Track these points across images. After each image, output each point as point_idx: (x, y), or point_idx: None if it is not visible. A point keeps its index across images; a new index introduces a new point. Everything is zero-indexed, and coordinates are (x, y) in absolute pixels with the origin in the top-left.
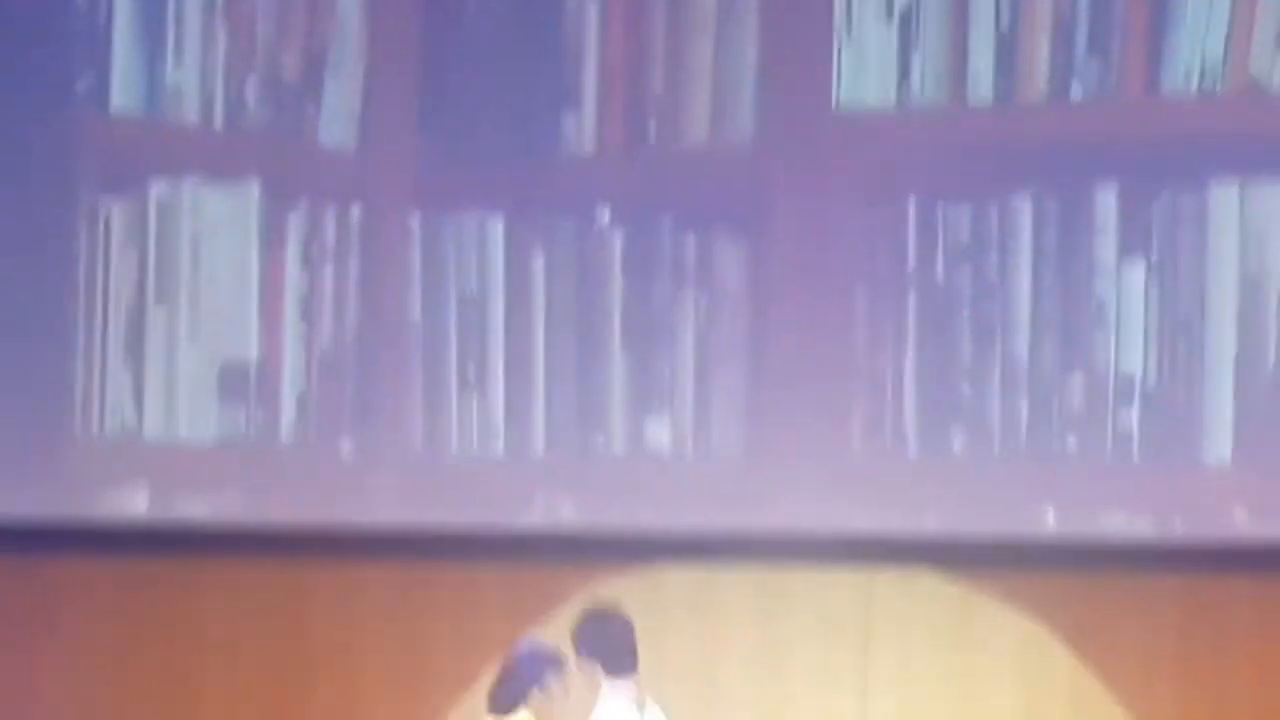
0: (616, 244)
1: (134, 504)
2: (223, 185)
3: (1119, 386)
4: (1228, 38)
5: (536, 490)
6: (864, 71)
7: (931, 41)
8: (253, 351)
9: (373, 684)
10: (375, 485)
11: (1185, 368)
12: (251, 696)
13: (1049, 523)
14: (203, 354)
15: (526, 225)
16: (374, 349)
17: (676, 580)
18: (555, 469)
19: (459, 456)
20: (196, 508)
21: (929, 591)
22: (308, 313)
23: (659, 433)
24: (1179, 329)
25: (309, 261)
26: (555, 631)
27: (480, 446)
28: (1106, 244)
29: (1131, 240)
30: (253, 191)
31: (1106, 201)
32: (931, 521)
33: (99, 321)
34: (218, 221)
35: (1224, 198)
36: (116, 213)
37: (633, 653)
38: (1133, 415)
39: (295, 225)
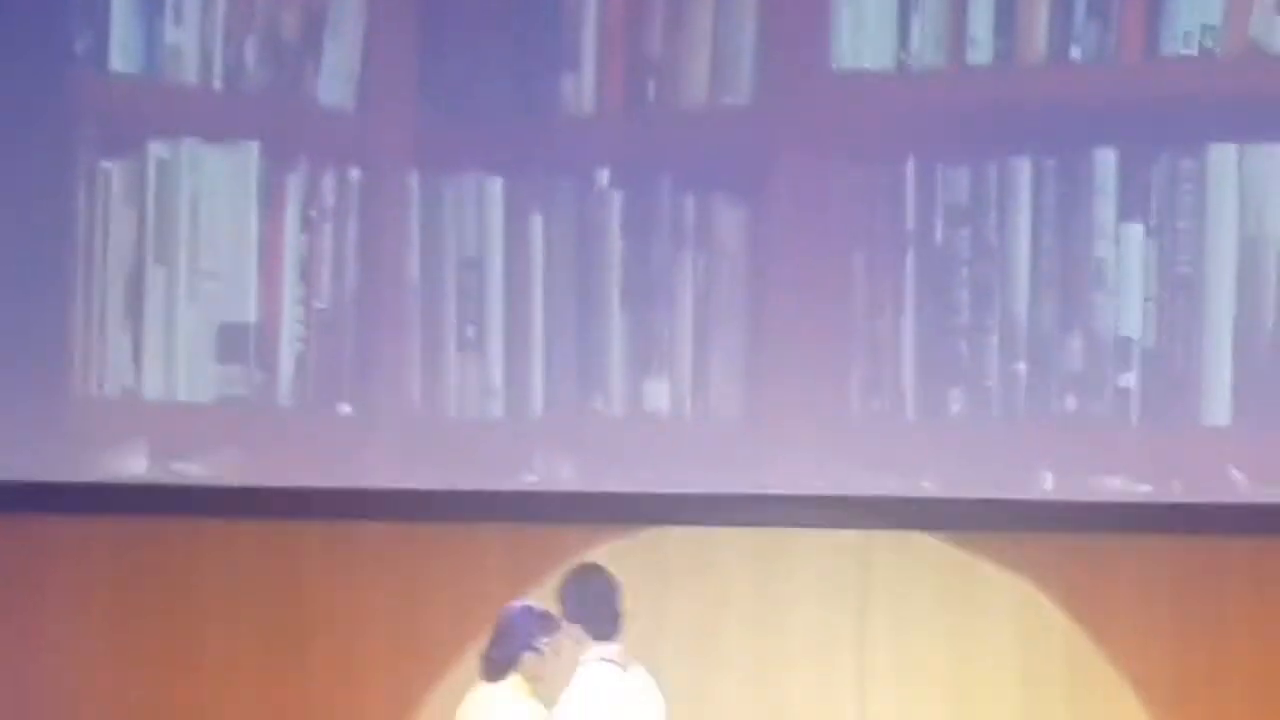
0: (615, 205)
1: (133, 464)
2: (222, 145)
3: (1117, 348)
4: (1227, 0)
5: (535, 451)
6: (863, 33)
7: (930, 3)
8: (251, 312)
9: (370, 644)
10: (374, 446)
11: (1184, 330)
12: (249, 656)
13: (1047, 485)
14: (201, 314)
15: (525, 186)
16: (373, 310)
17: (675, 541)
18: (554, 430)
19: (458, 417)
20: (195, 468)
21: (926, 553)
22: (306, 273)
23: (658, 394)
24: (1178, 291)
25: (308, 222)
26: (553, 593)
27: (479, 407)
28: (1105, 205)
29: (1130, 202)
30: (252, 152)
31: (1105, 163)
32: (929, 483)
33: (98, 282)
34: (217, 182)
35: (1223, 160)
36: (116, 173)
37: (616, 615)
38: (1131, 377)
39: (294, 186)
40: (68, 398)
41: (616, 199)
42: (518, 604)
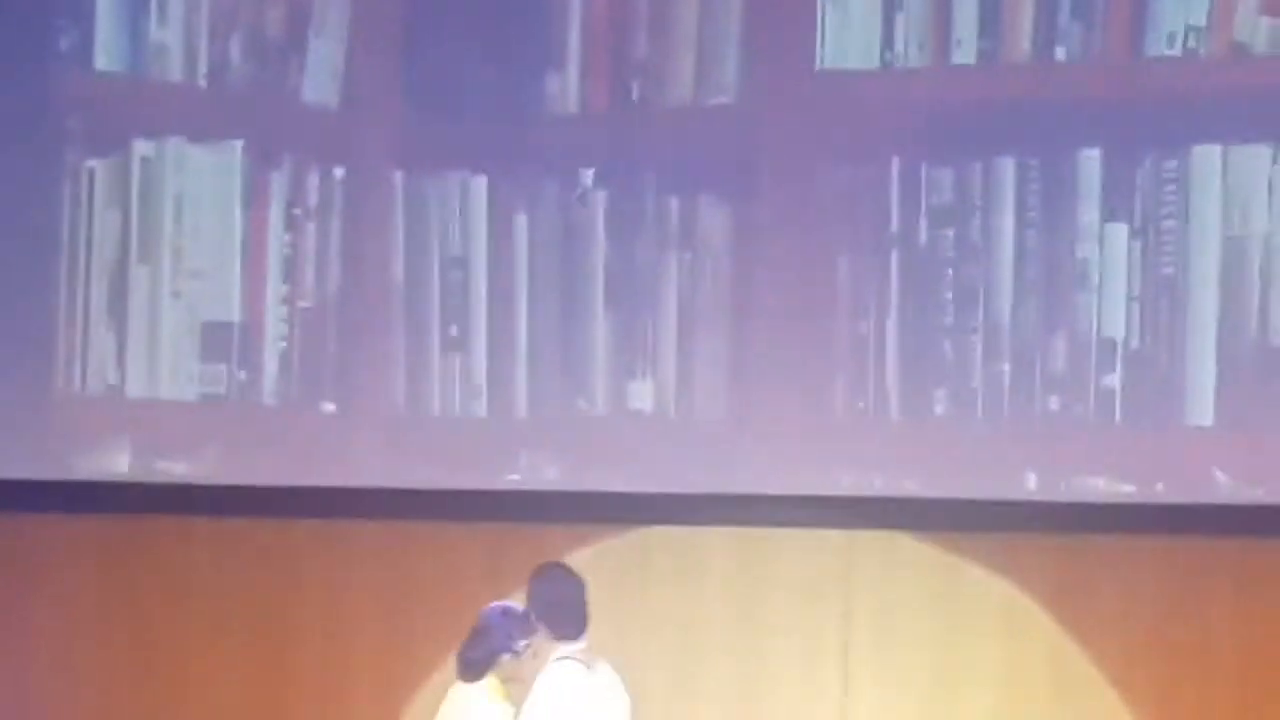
0: (600, 205)
1: (116, 462)
2: (206, 144)
3: (1101, 349)
4: (1211, 1)
5: (519, 450)
6: (848, 32)
7: (915, 3)
8: (235, 311)
9: (356, 643)
10: (357, 445)
11: (1168, 330)
12: (233, 654)
13: (1031, 485)
14: (185, 313)
15: (510, 186)
16: (356, 309)
17: (659, 541)
18: (538, 429)
19: (441, 417)
20: (178, 466)
21: (910, 554)
22: (290, 272)
23: (642, 394)
24: (1161, 292)
25: (292, 221)
26: None
27: (463, 407)
28: (1089, 206)
29: (1114, 203)
30: (236, 150)
31: (1090, 164)
32: (913, 483)
33: (82, 280)
34: (201, 180)
35: (1207, 160)
36: (100, 171)
37: (581, 615)
38: (1115, 378)
39: (278, 184)
40: (51, 396)
41: (601, 199)
42: (496, 605)
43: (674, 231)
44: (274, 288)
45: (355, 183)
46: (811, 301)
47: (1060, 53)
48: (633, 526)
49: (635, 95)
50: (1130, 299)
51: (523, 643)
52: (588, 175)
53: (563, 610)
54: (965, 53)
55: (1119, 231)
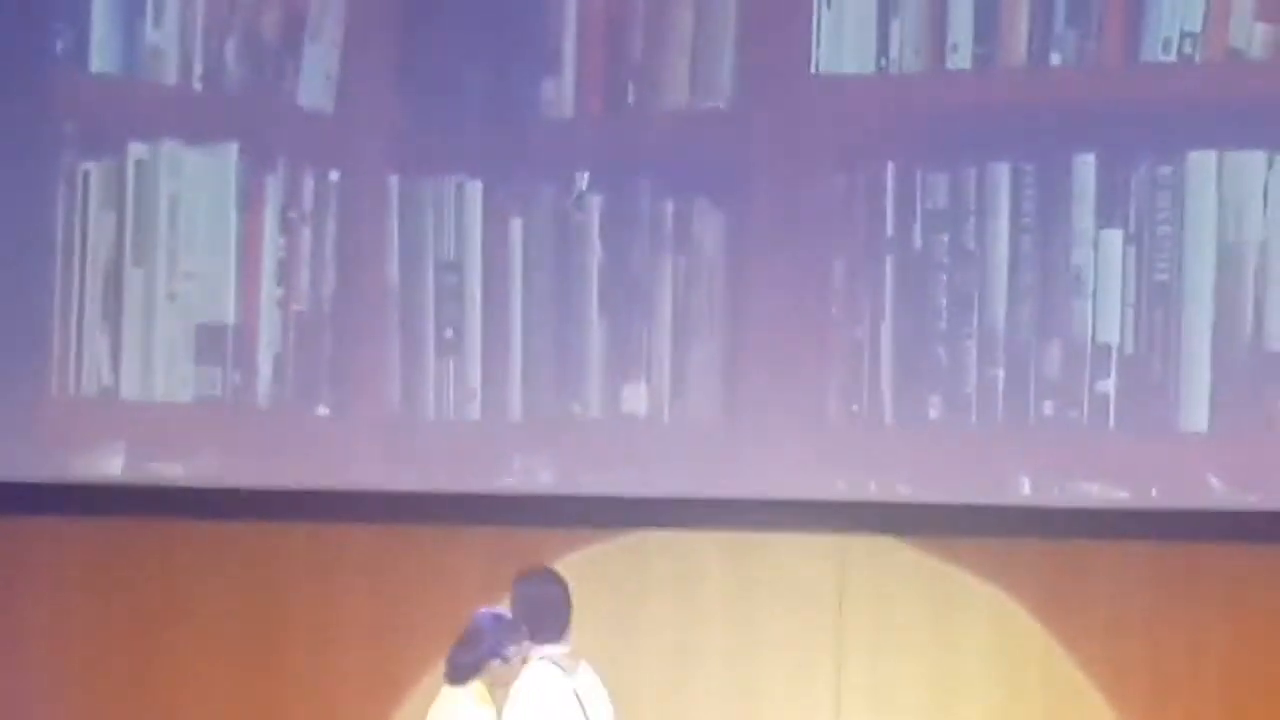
0: (595, 208)
1: (110, 464)
2: (201, 147)
3: (1096, 355)
4: (1207, 7)
5: (514, 454)
6: (843, 36)
7: (911, 7)
8: (230, 313)
9: (349, 646)
10: (352, 447)
11: (1162, 337)
12: (226, 657)
13: (1024, 490)
14: (180, 315)
15: (505, 189)
16: (351, 312)
17: (653, 545)
18: (532, 433)
19: (436, 420)
20: (172, 468)
21: (903, 558)
22: (285, 275)
23: (636, 397)
24: (1156, 298)
25: (287, 224)
26: None
27: (457, 410)
28: (1084, 212)
29: (1109, 208)
30: (231, 153)
31: (1085, 169)
32: (907, 488)
33: (76, 282)
34: (196, 183)
35: (1202, 166)
36: (95, 173)
37: (563, 619)
38: (1109, 384)
39: (273, 187)
40: (45, 398)
41: (596, 202)
42: (488, 611)
43: (669, 235)
44: (269, 291)
45: (350, 186)
46: (806, 306)
47: (1056, 58)
48: (627, 530)
49: (630, 99)
50: (1125, 304)
51: (512, 649)
52: (583, 179)
53: (544, 613)
54: (961, 58)
55: (1114, 237)
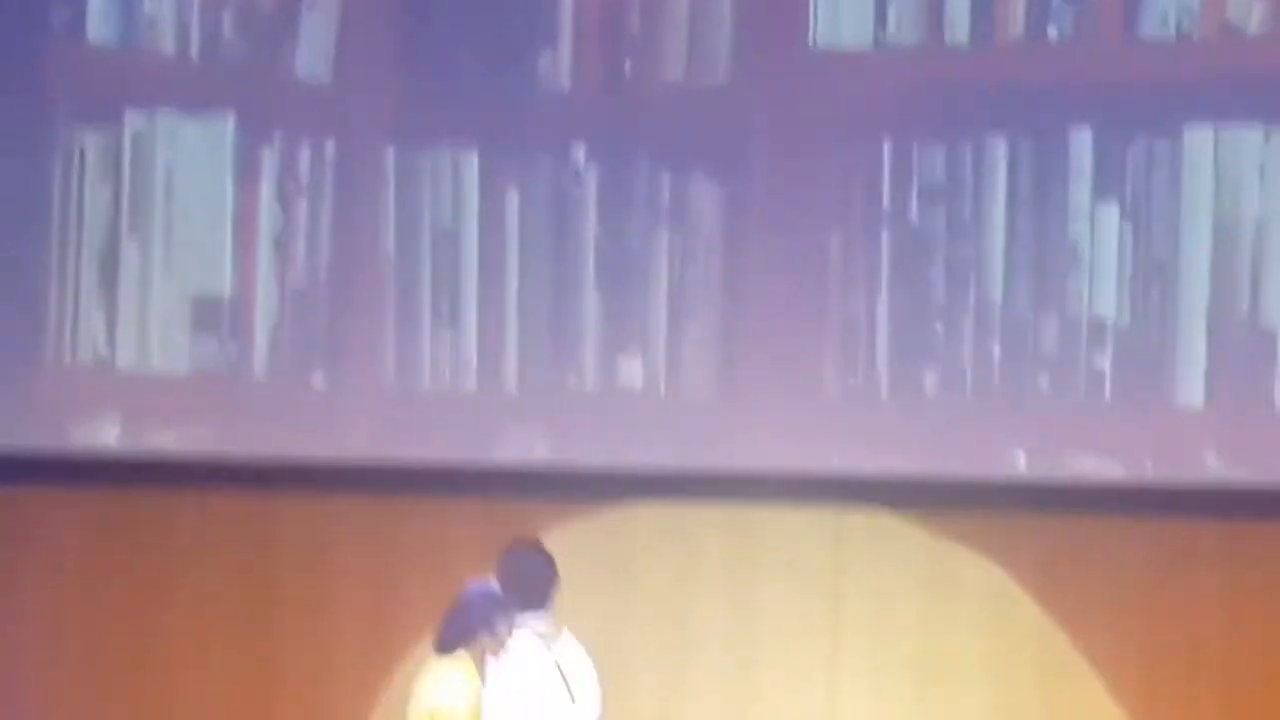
0: (591, 181)
1: (105, 435)
2: (198, 117)
3: (1092, 329)
4: None
5: (508, 426)
6: (841, 10)
7: None
8: (226, 284)
9: (343, 617)
10: (347, 419)
11: (1158, 311)
12: (220, 627)
13: (1020, 465)
14: (176, 286)
15: (501, 162)
16: (347, 283)
17: (648, 518)
18: (527, 405)
19: (431, 391)
20: (167, 439)
21: (899, 532)
22: (281, 246)
23: (631, 370)
24: (1152, 272)
25: (283, 195)
26: None
27: (452, 382)
28: (1081, 186)
29: (1106, 183)
30: (228, 124)
31: (1081, 144)
32: (903, 462)
33: (72, 252)
34: (192, 154)
35: (1199, 142)
36: (91, 144)
37: (546, 591)
38: (1105, 358)
39: (270, 158)
40: (41, 368)
41: (592, 175)
42: (480, 583)
43: (665, 208)
44: (265, 262)
45: (347, 157)
46: (802, 280)
47: (1053, 33)
48: (621, 503)
49: (628, 72)
50: (1121, 280)
51: (501, 621)
52: (579, 152)
53: (527, 583)
54: (958, 32)
55: (1110, 212)
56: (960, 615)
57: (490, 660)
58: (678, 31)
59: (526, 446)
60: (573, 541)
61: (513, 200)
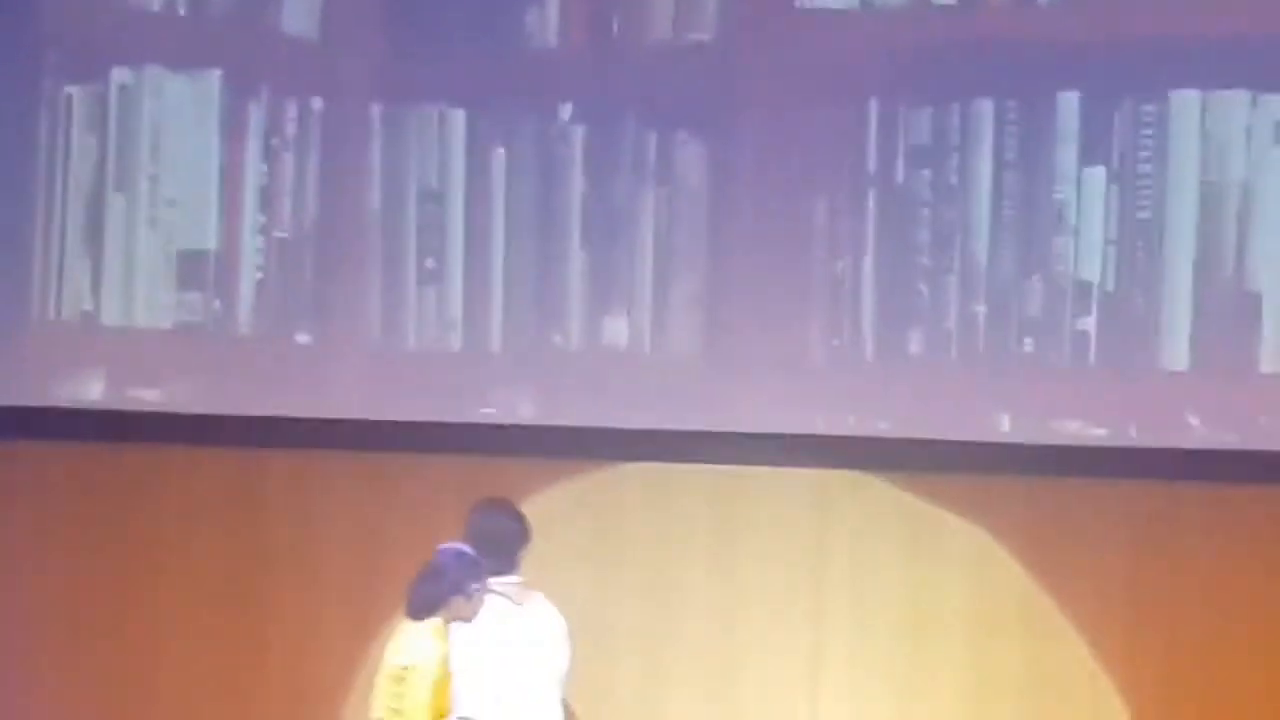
0: (578, 140)
1: (90, 390)
2: (184, 73)
3: (1077, 292)
4: None
5: (494, 385)
6: None
7: None
8: (211, 240)
9: (328, 576)
10: (332, 376)
11: (1144, 274)
12: (206, 584)
13: (1004, 427)
14: (161, 241)
15: (488, 120)
16: (333, 240)
17: (632, 478)
18: (513, 364)
19: (416, 349)
20: (152, 394)
21: (884, 493)
22: (267, 202)
23: (617, 330)
24: (1138, 235)
25: (269, 151)
26: None
27: (438, 340)
28: (1067, 149)
29: (1092, 145)
30: (214, 80)
31: (1068, 106)
32: (887, 424)
33: (58, 207)
34: (179, 109)
35: (1185, 104)
36: (78, 98)
37: (513, 551)
38: (1090, 321)
39: (256, 114)
40: (26, 322)
41: (579, 133)
42: (451, 547)
43: (651, 167)
44: (250, 218)
45: (333, 114)
46: (788, 240)
47: None
48: (606, 463)
49: (615, 30)
50: (1107, 242)
51: (474, 586)
52: (566, 109)
53: (496, 544)
54: None
55: (1097, 174)
56: (944, 577)
57: (464, 624)
58: None
59: (511, 405)
60: (557, 500)
61: (499, 158)
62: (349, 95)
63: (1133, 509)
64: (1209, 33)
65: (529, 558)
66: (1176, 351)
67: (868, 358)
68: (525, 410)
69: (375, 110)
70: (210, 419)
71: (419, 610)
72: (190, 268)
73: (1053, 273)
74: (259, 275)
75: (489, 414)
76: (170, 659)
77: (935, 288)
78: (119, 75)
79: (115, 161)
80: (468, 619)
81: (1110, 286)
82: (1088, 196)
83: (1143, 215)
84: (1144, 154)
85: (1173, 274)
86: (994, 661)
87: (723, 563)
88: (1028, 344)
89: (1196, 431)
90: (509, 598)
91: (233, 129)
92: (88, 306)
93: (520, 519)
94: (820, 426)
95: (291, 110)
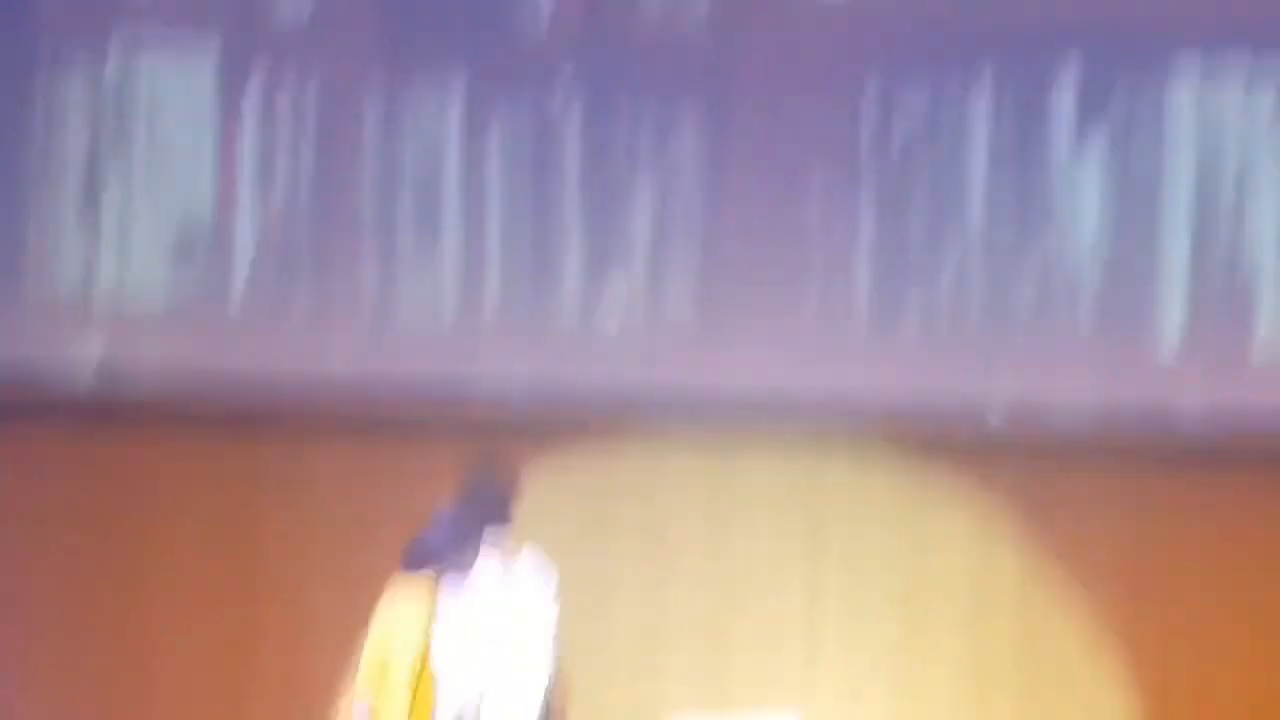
0: (574, 118)
1: (86, 360)
2: (181, 49)
3: (1072, 269)
4: None
5: (490, 354)
6: None
7: None
8: (207, 214)
9: (322, 549)
10: (326, 348)
11: (1140, 247)
12: (199, 563)
13: (997, 405)
14: (157, 216)
15: (484, 98)
16: (327, 215)
17: (628, 446)
18: (509, 334)
19: (412, 322)
20: (148, 364)
21: (877, 462)
22: (262, 177)
23: (613, 301)
24: (1134, 213)
25: (265, 124)
26: None
27: (434, 312)
28: (1064, 126)
29: (1089, 124)
30: (211, 55)
31: (1065, 84)
32: (882, 396)
33: (54, 180)
34: (175, 84)
35: (1183, 83)
36: (75, 73)
37: (504, 510)
38: (1086, 294)
39: (252, 89)
40: (21, 296)
41: (575, 109)
42: (448, 509)
43: (647, 144)
44: (246, 192)
45: (329, 90)
46: (784, 214)
47: None
48: (602, 431)
49: (610, 11)
50: (1103, 219)
51: (467, 543)
52: (562, 88)
53: (488, 502)
54: None
55: (1093, 152)
56: (939, 543)
57: (450, 586)
58: None
59: (507, 375)
60: (553, 469)
61: (495, 134)
62: (345, 71)
63: (1128, 484)
64: (1206, 12)
65: (525, 529)
66: (1173, 326)
67: (862, 332)
68: (521, 380)
69: (372, 85)
70: (203, 396)
71: (411, 563)
72: (185, 243)
73: (1048, 249)
74: (254, 251)
75: (485, 384)
76: (164, 647)
77: (930, 263)
78: (116, 50)
79: (112, 135)
80: (462, 575)
81: (1106, 260)
82: (1084, 174)
83: (1138, 193)
84: (1140, 134)
85: (1168, 247)
86: (989, 622)
87: (718, 529)
88: (1023, 317)
89: (1191, 411)
90: (499, 555)
91: (229, 103)
92: (83, 279)
93: (513, 473)
94: (815, 396)
95: (288, 84)
